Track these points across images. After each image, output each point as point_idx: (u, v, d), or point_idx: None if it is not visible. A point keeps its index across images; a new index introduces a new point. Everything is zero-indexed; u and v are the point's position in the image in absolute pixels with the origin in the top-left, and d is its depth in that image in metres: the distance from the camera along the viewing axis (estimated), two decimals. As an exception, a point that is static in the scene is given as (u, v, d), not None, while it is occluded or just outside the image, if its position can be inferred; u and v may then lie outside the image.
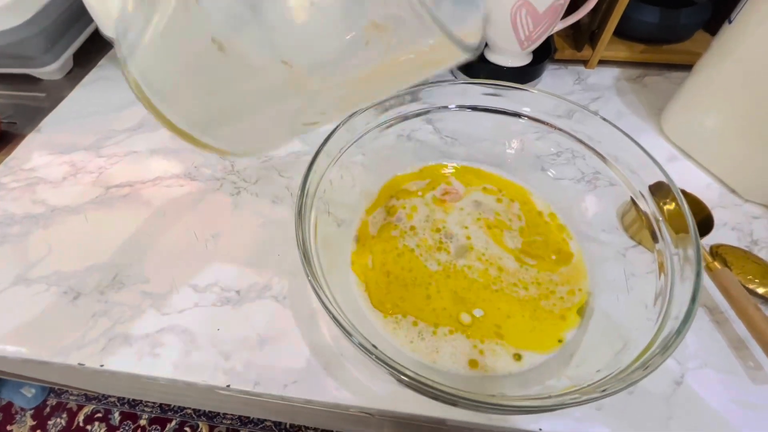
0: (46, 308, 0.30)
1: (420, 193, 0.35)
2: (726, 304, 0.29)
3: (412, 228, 0.33)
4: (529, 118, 0.34)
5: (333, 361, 0.27)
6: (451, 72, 0.47)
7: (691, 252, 0.23)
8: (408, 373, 0.19)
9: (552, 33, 0.39)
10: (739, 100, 0.33)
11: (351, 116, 0.31)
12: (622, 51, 0.46)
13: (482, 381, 0.25)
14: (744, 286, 0.29)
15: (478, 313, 0.28)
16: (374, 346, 0.20)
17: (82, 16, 0.49)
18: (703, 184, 0.36)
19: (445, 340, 0.27)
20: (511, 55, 0.42)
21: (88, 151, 0.41)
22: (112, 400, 0.97)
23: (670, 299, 0.23)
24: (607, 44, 0.44)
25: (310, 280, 0.22)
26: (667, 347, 0.19)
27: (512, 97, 0.34)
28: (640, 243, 0.30)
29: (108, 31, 0.43)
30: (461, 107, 0.35)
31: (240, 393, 0.26)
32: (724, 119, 0.35)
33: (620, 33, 0.45)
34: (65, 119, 0.44)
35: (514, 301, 0.29)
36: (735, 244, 0.32)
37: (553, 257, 0.31)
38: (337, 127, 0.30)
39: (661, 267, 0.25)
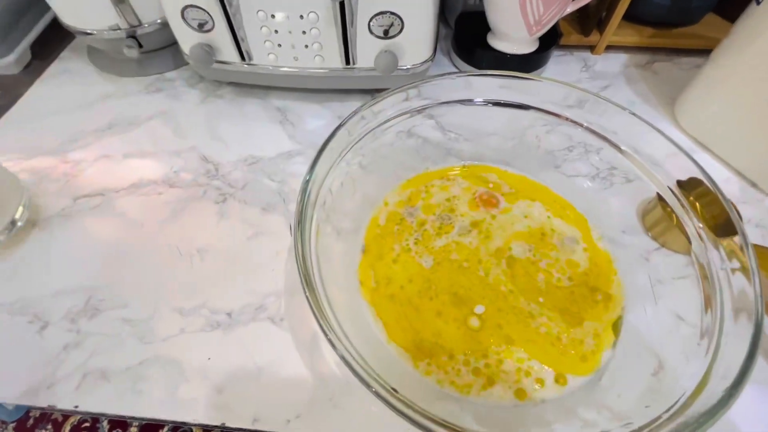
0: (9, 341, 0.26)
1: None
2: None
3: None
4: (537, 108, 0.31)
5: (340, 390, 0.24)
6: (452, 61, 0.44)
7: (738, 260, 0.21)
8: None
9: (564, 15, 0.36)
10: (762, 88, 0.31)
11: (350, 116, 0.28)
12: (631, 36, 0.43)
13: (516, 410, 0.22)
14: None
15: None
16: (394, 389, 0.17)
17: (37, 2, 0.44)
18: (723, 177, 0.34)
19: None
20: (516, 41, 0.39)
21: (52, 156, 0.36)
22: (100, 408, 0.93)
23: (721, 314, 0.21)
24: (615, 28, 0.42)
25: (313, 311, 0.19)
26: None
27: (518, 88, 0.31)
28: (664, 245, 0.28)
29: (68, 18, 0.38)
30: (464, 101, 0.32)
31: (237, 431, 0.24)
32: (746, 109, 0.32)
33: (629, 17, 0.42)
34: (24, 119, 0.40)
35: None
36: (760, 241, 0.30)
37: (599, 297, 0.28)
38: (334, 131, 0.27)
39: (703, 276, 0.23)
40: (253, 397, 0.24)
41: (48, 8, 0.44)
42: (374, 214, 0.31)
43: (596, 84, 0.42)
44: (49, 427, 0.91)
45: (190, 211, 0.33)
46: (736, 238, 0.22)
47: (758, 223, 0.32)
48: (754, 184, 0.34)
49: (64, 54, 0.46)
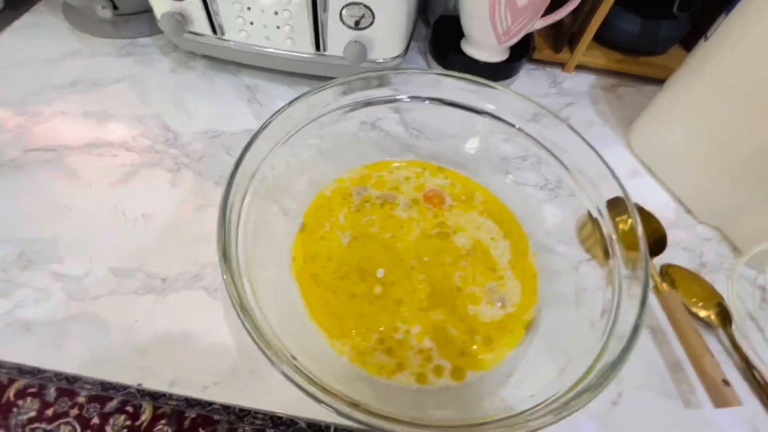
0: (-66, 285, 0.26)
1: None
2: (669, 326, 0.29)
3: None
4: (498, 118, 0.33)
5: (261, 363, 0.25)
6: (427, 62, 0.45)
7: (640, 273, 0.22)
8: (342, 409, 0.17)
9: (531, 30, 0.38)
10: (706, 120, 0.33)
11: (312, 92, 0.28)
12: (600, 58, 0.45)
13: (417, 395, 0.23)
14: (687, 309, 0.29)
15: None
16: (293, 357, 0.18)
17: (15, -50, 0.43)
18: (663, 201, 0.36)
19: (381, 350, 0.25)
20: (487, 49, 0.40)
21: (9, 107, 0.36)
22: (48, 375, 0.91)
23: (615, 319, 0.22)
24: (585, 49, 0.43)
25: (224, 278, 0.20)
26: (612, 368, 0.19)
27: (483, 94, 0.32)
28: (594, 258, 0.30)
29: (42, -30, 0.38)
30: (431, 99, 0.33)
31: (153, 393, 0.24)
32: (688, 138, 0.34)
33: (600, 39, 0.44)
34: (-15, 67, 0.39)
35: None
36: (685, 264, 0.32)
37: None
38: (292, 101, 0.28)
39: (610, 284, 0.25)
40: (174, 362, 0.25)
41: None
42: (322, 190, 0.32)
43: (562, 100, 0.44)
44: (-7, 389, 0.88)
45: (142, 176, 0.33)
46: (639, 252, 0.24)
47: (686, 246, 0.33)
48: (689, 211, 0.35)
49: (38, 7, 0.45)
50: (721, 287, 0.31)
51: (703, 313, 0.29)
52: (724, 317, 0.29)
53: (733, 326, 0.29)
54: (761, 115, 0.28)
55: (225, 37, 0.36)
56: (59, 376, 0.92)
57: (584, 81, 0.46)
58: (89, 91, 0.38)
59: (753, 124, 0.29)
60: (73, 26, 0.43)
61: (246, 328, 0.19)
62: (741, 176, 0.31)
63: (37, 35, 0.42)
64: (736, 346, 0.28)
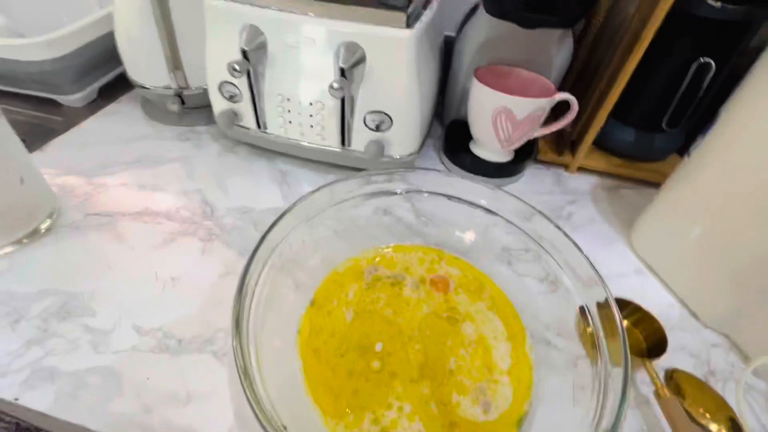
0: (-17, 327, 0.30)
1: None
2: (675, 437, 0.27)
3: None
4: (500, 216, 0.36)
5: (255, 433, 0.26)
6: (440, 158, 0.50)
7: (619, 372, 0.23)
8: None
9: (531, 138, 0.42)
10: (699, 228, 0.34)
11: (336, 182, 0.33)
12: (601, 162, 0.49)
13: None
14: (693, 419, 0.28)
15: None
16: (284, 426, 0.19)
17: (114, 58, 0.54)
18: (666, 302, 0.36)
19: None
20: (492, 151, 0.45)
21: (82, 177, 0.43)
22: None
23: (599, 420, 0.22)
24: (586, 153, 0.47)
25: (233, 344, 0.22)
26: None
27: (484, 193, 0.36)
28: (587, 355, 0.30)
29: (133, 74, 0.48)
30: (442, 194, 0.37)
31: (148, 454, 0.25)
32: (687, 243, 0.36)
33: (600, 145, 0.48)
34: (71, 144, 0.47)
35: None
36: (691, 371, 0.31)
37: None
38: (318, 188, 0.32)
39: (598, 382, 0.25)
40: (174, 424, 0.26)
41: (120, 64, 0.54)
42: (336, 267, 0.35)
43: (565, 198, 0.47)
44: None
45: (178, 243, 0.37)
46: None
47: (693, 352, 0.33)
48: (693, 314, 0.35)
49: (122, 99, 0.55)
50: (732, 399, 0.29)
51: (714, 427, 0.28)
52: (736, 433, 0.28)
53: (747, 445, 0.27)
54: (744, 227, 0.30)
55: (267, 130, 0.43)
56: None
57: (587, 181, 0.49)
58: (149, 167, 0.45)
59: (739, 234, 0.31)
60: (147, 115, 0.52)
61: (245, 393, 0.20)
62: (740, 283, 0.32)
63: (117, 121, 0.51)
64: (751, 468, 0.26)
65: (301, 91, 0.39)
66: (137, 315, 0.31)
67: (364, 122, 0.39)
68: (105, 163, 0.45)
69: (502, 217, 0.35)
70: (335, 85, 0.34)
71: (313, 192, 0.32)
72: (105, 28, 0.50)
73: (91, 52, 0.50)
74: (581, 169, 0.50)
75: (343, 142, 0.41)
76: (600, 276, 0.28)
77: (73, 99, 0.52)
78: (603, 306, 0.27)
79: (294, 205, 0.31)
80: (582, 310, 0.29)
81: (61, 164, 0.44)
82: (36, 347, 0.29)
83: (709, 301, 0.34)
